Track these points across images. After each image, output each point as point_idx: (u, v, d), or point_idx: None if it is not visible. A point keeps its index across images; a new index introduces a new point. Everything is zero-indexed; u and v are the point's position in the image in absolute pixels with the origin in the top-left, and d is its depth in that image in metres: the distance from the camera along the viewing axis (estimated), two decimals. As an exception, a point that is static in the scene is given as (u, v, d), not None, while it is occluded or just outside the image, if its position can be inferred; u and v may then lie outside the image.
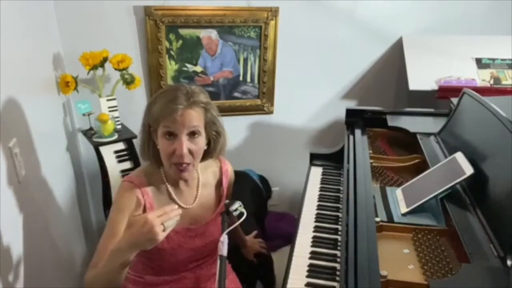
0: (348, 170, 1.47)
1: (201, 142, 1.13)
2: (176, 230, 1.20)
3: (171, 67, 2.17)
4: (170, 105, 1.07)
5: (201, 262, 1.30)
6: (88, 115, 1.93)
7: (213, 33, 2.16)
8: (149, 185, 1.17)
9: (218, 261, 0.92)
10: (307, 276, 1.17)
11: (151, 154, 1.17)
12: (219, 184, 1.32)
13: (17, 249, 1.14)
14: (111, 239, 1.09)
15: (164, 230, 0.95)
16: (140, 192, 1.15)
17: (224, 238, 0.96)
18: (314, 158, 1.87)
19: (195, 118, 1.10)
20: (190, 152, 1.10)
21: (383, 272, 0.97)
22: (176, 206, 1.00)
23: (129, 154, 1.90)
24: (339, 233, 1.34)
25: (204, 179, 1.27)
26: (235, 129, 2.43)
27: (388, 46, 2.40)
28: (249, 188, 2.31)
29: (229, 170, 1.34)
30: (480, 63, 2.22)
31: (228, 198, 1.28)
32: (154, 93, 1.20)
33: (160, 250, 1.18)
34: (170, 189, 1.21)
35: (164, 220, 0.95)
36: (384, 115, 1.83)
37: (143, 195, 1.15)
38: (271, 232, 2.37)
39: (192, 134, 1.10)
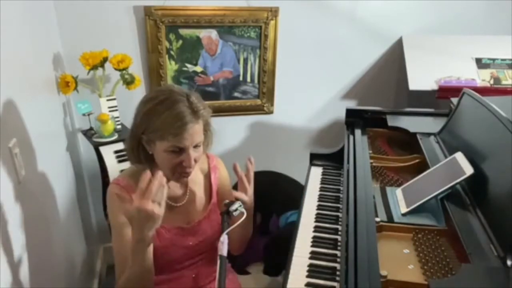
0: (348, 170, 1.47)
1: (202, 148, 1.16)
2: (168, 229, 1.21)
3: (171, 67, 2.17)
4: (178, 124, 1.06)
5: (198, 259, 1.30)
6: (88, 115, 1.93)
7: (213, 33, 2.16)
8: (136, 186, 1.18)
9: (218, 261, 0.92)
10: (307, 276, 1.17)
11: (143, 159, 1.17)
12: (208, 180, 1.32)
13: (17, 249, 1.14)
14: (123, 242, 1.13)
15: (160, 205, 0.97)
16: (127, 193, 1.16)
17: (224, 238, 0.96)
18: (314, 158, 1.87)
19: (200, 132, 1.13)
20: (194, 159, 1.14)
21: (383, 272, 0.97)
22: (149, 174, 0.98)
23: (129, 154, 1.90)
24: (339, 233, 1.34)
25: (193, 175, 1.27)
26: (235, 129, 2.43)
27: (388, 46, 2.40)
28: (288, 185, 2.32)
29: (218, 166, 1.35)
30: (480, 63, 2.22)
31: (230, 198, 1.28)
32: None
33: (153, 249, 1.19)
34: None
35: (151, 197, 0.95)
36: (384, 115, 1.83)
37: (131, 196, 1.16)
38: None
39: (197, 144, 1.13)
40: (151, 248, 1.06)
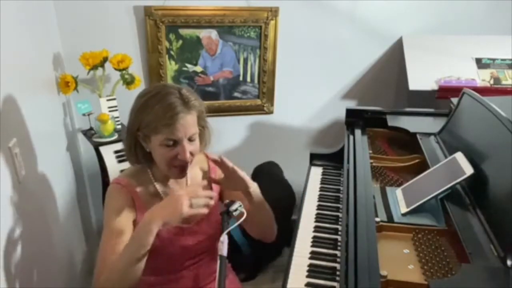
0: (348, 170, 1.47)
1: (198, 141, 1.16)
2: (167, 228, 1.21)
3: (171, 67, 2.17)
4: (170, 114, 1.06)
5: (198, 259, 1.30)
6: (88, 115, 1.93)
7: (213, 33, 2.16)
8: (136, 185, 1.18)
9: (218, 261, 0.92)
10: (307, 276, 1.17)
11: (141, 157, 1.17)
12: (207, 179, 1.31)
13: (17, 249, 1.14)
14: (113, 241, 1.10)
15: (191, 206, 1.01)
16: (129, 192, 1.16)
17: (224, 238, 0.96)
18: (314, 158, 1.87)
19: (193, 122, 1.12)
20: (191, 153, 1.13)
21: (383, 272, 0.97)
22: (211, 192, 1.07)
23: (129, 154, 1.90)
24: (339, 233, 1.34)
25: (193, 175, 1.28)
26: (235, 129, 2.43)
27: (388, 46, 2.40)
28: (277, 180, 2.31)
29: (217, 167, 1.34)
30: (480, 63, 2.22)
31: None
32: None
33: (153, 248, 1.19)
34: (158, 187, 1.22)
35: (193, 196, 1.01)
36: (384, 115, 1.83)
37: (132, 195, 1.16)
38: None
39: (191, 137, 1.12)
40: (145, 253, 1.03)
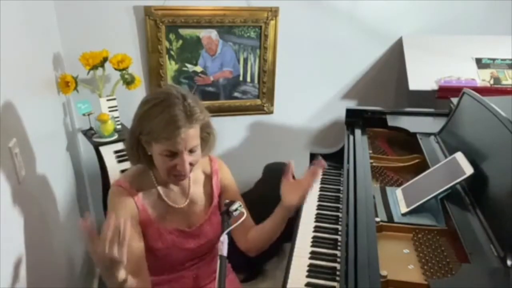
0: (348, 170, 1.48)
1: (199, 152, 1.15)
2: (170, 231, 1.21)
3: (171, 67, 2.17)
4: (171, 128, 1.05)
5: (198, 260, 1.30)
6: (88, 115, 1.93)
7: (213, 33, 2.16)
8: (138, 188, 1.18)
9: (218, 261, 0.92)
10: (307, 276, 1.17)
11: (142, 158, 1.17)
12: (209, 183, 1.31)
13: (16, 249, 1.14)
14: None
15: (120, 245, 0.88)
16: (130, 195, 1.16)
17: (224, 238, 0.96)
18: (314, 158, 1.87)
19: (196, 136, 1.11)
20: (190, 164, 1.12)
21: (383, 272, 0.98)
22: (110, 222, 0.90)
23: (129, 154, 1.90)
24: (339, 233, 1.34)
25: (195, 176, 1.28)
26: (235, 129, 2.43)
27: (388, 46, 2.40)
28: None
29: (220, 169, 1.34)
30: (480, 63, 2.22)
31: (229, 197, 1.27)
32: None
33: (155, 250, 1.19)
34: (160, 190, 1.22)
35: (107, 240, 0.87)
36: (384, 115, 1.83)
37: (134, 198, 1.16)
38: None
39: (192, 149, 1.11)
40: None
